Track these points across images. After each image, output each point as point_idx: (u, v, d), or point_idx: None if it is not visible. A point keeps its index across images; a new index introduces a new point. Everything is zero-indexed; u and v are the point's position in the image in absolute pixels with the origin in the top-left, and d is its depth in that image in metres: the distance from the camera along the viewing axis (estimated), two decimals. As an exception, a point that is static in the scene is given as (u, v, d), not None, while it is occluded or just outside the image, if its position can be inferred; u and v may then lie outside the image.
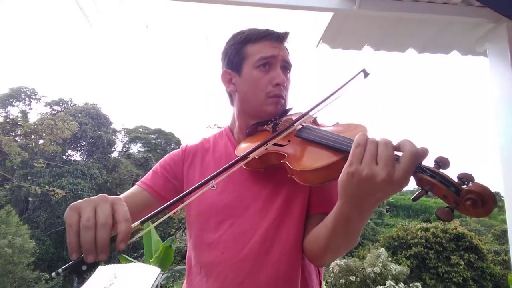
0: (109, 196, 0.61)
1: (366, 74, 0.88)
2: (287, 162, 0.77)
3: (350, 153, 0.61)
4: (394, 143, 0.59)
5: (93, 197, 0.60)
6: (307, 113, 0.87)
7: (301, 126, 0.86)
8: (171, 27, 2.57)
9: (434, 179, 0.54)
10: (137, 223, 0.60)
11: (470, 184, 0.52)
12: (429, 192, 0.56)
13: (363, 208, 0.63)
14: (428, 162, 0.57)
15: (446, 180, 0.54)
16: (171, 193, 0.99)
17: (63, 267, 0.55)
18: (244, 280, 0.82)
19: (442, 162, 0.56)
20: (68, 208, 0.58)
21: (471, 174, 0.53)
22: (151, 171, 1.03)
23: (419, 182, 0.56)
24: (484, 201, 0.50)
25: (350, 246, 0.76)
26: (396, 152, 0.59)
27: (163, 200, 0.97)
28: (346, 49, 2.62)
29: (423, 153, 0.57)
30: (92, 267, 0.56)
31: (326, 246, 0.76)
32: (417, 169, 0.56)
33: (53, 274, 0.55)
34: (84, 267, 0.55)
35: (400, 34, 2.43)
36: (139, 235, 0.63)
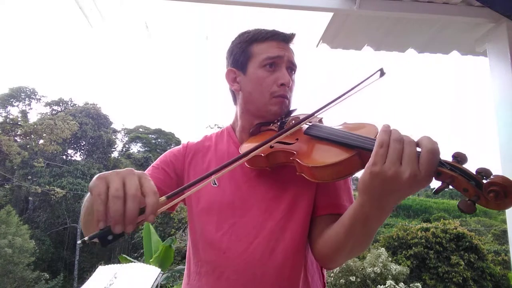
0: (135, 170, 0.60)
1: (382, 74, 0.87)
2: (297, 159, 0.76)
3: (374, 153, 0.60)
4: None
5: (120, 170, 0.59)
6: (315, 112, 0.85)
7: (309, 124, 0.85)
8: (171, 27, 2.57)
9: (454, 173, 0.55)
10: (163, 197, 0.61)
11: (492, 176, 0.53)
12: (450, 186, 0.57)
13: (384, 206, 0.63)
14: (446, 157, 0.58)
15: (466, 173, 0.54)
16: (171, 187, 0.98)
17: (89, 235, 0.54)
18: (247, 281, 0.81)
19: (460, 157, 0.56)
20: (95, 177, 0.58)
21: (489, 169, 0.54)
22: (151, 166, 1.03)
23: (438, 176, 0.57)
24: (507, 193, 0.51)
25: (364, 247, 0.76)
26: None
27: (163, 194, 0.97)
28: (346, 49, 2.62)
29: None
30: (117, 238, 0.55)
31: (342, 245, 0.75)
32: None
33: (79, 242, 0.54)
34: (110, 237, 0.54)
35: (400, 34, 2.43)
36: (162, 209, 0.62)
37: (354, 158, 0.68)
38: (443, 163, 0.56)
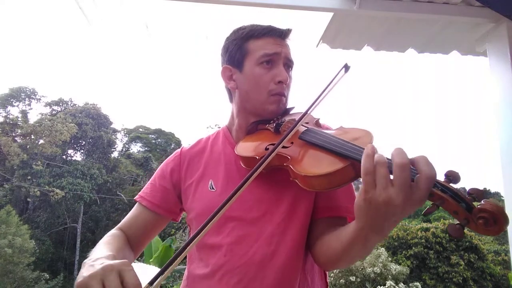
0: (113, 263, 0.59)
1: (347, 69, 0.87)
2: (290, 166, 0.75)
3: (362, 180, 0.59)
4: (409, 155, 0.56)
5: (97, 268, 0.58)
6: (305, 113, 0.84)
7: (305, 128, 0.84)
8: (171, 27, 2.58)
9: (445, 194, 0.54)
10: (146, 285, 0.60)
11: (482, 202, 0.52)
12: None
13: (383, 229, 0.62)
14: (439, 175, 0.55)
15: (457, 195, 0.53)
16: (172, 202, 0.98)
17: None
18: (248, 283, 0.81)
19: (452, 176, 0.55)
20: (75, 286, 0.57)
21: (482, 190, 0.53)
22: (148, 183, 1.02)
23: (430, 197, 0.55)
24: (497, 220, 0.50)
25: (362, 258, 0.77)
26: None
27: (165, 212, 0.97)
28: (346, 49, 2.62)
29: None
30: None
31: (340, 258, 0.76)
32: None
33: None
34: None
35: (400, 34, 2.43)
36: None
37: (348, 169, 0.67)
38: (435, 184, 0.54)
